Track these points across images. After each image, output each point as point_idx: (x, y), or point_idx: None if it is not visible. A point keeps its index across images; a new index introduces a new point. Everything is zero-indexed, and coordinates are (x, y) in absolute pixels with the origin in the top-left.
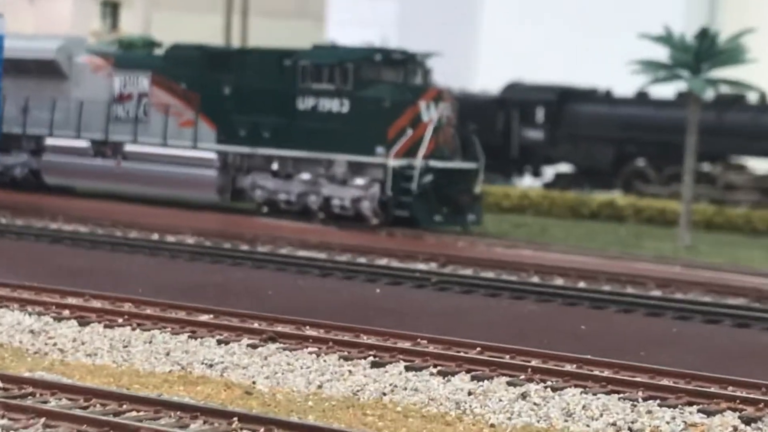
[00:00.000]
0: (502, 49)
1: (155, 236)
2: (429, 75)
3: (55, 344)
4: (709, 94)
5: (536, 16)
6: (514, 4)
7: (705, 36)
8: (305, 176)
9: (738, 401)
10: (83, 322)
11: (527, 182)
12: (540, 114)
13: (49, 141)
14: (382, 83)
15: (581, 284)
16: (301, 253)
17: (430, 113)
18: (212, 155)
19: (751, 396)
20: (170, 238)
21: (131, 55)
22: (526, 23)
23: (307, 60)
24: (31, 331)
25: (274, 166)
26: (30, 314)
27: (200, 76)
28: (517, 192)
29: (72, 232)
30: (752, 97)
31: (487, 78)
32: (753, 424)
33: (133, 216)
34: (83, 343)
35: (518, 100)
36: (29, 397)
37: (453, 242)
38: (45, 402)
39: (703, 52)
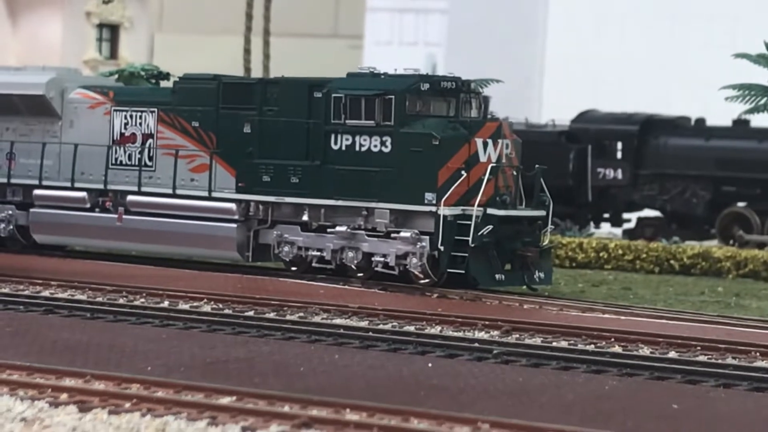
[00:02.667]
0: (572, 72)
1: (165, 303)
2: (486, 106)
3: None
4: None
5: (613, 33)
6: (585, 19)
7: None
8: (341, 229)
9: None
10: (84, 408)
11: (605, 231)
12: (619, 149)
13: (39, 192)
14: (430, 117)
15: (672, 354)
16: (338, 321)
17: (488, 152)
18: (231, 205)
19: None
20: (183, 306)
21: (134, 89)
22: (601, 41)
23: (342, 91)
24: (24, 419)
25: (304, 218)
26: (22, 399)
27: (216, 113)
28: (593, 243)
29: (68, 299)
30: None
31: (553, 107)
32: None
33: (139, 280)
34: None
35: (592, 132)
36: None
37: (518, 305)
38: None
39: None
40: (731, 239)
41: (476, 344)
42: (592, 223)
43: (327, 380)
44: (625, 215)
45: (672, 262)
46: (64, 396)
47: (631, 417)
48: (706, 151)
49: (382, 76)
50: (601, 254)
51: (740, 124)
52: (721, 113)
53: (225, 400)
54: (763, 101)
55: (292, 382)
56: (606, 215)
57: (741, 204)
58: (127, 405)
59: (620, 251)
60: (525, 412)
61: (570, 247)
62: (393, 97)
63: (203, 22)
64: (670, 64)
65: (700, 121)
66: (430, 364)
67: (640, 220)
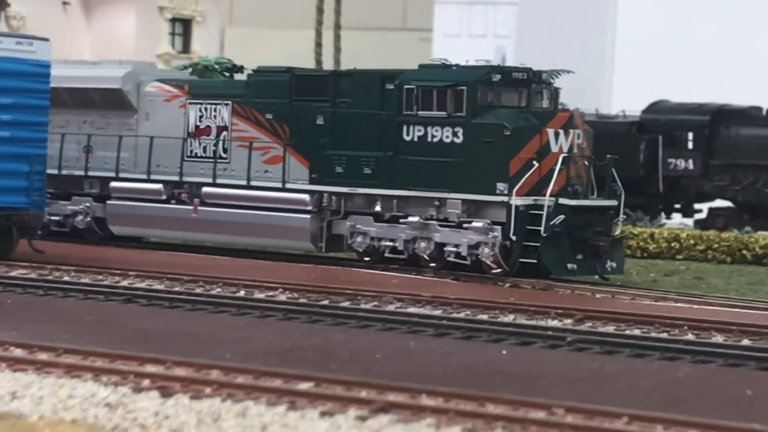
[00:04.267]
0: (643, 61)
1: (242, 293)
2: (557, 96)
3: (135, 419)
4: None
5: (684, 21)
6: (656, 8)
7: None
8: (413, 219)
9: None
10: (166, 393)
11: (676, 222)
12: (690, 139)
13: (115, 184)
14: (502, 108)
15: (745, 342)
16: (411, 309)
17: (560, 142)
18: (304, 196)
19: None
20: (259, 295)
21: (208, 82)
22: (672, 29)
23: (414, 82)
24: (108, 405)
25: (377, 208)
26: (105, 385)
27: (289, 105)
28: (664, 234)
29: (146, 289)
30: None
31: (624, 97)
32: None
33: (215, 270)
34: (167, 417)
35: (663, 123)
36: None
37: (590, 295)
38: None
39: None
40: None
41: (549, 332)
42: (663, 214)
43: (402, 367)
44: (697, 206)
45: (744, 252)
46: (146, 382)
47: (705, 402)
48: None
49: (454, 68)
50: (672, 244)
51: None
52: None
53: (303, 386)
54: None
55: (368, 369)
56: (677, 206)
57: None
58: (208, 390)
59: (692, 241)
60: (599, 397)
61: (641, 237)
62: (465, 88)
63: (273, 16)
64: (741, 53)
65: None
66: (504, 352)
67: (711, 210)
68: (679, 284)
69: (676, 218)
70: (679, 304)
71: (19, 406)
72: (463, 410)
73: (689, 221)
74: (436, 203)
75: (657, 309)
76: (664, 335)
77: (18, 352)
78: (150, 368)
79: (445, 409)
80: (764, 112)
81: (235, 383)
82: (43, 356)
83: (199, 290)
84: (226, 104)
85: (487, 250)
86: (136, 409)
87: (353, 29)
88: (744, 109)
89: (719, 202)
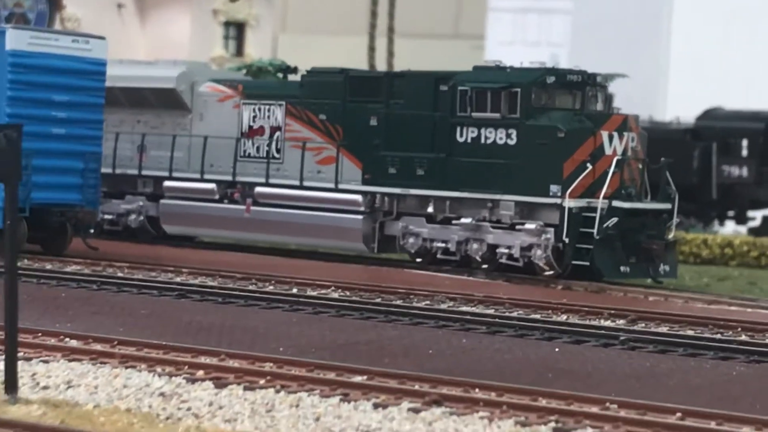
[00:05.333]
0: (698, 68)
1: (294, 290)
2: (611, 100)
3: (189, 409)
4: None
5: (739, 29)
6: (711, 16)
7: None
8: (466, 221)
9: None
10: (220, 384)
11: (730, 228)
12: (744, 147)
13: (169, 183)
14: (556, 110)
15: None
16: (464, 308)
17: (614, 145)
18: (357, 197)
19: None
20: (312, 292)
21: (262, 82)
22: (727, 38)
23: (468, 84)
24: (162, 395)
25: (430, 209)
26: (160, 375)
27: (342, 106)
28: (717, 239)
29: (199, 285)
30: None
31: (679, 104)
32: None
33: (267, 269)
34: (221, 407)
35: (717, 130)
36: None
37: (643, 297)
38: None
39: None
40: None
41: (603, 331)
42: (716, 221)
43: (455, 362)
44: (750, 213)
45: None
46: (200, 373)
47: (759, 399)
48: None
49: (508, 69)
50: (725, 250)
51: None
52: None
53: (357, 379)
54: None
55: (421, 364)
56: (730, 213)
57: None
58: (262, 382)
59: (745, 247)
60: (652, 394)
61: (694, 243)
62: (519, 90)
63: (325, 22)
64: None
65: None
66: (557, 349)
67: (765, 218)
68: (732, 288)
69: (730, 225)
70: (732, 308)
71: (75, 394)
72: (516, 403)
73: (743, 228)
74: (489, 205)
75: (710, 312)
76: (718, 336)
77: (73, 343)
78: (204, 360)
79: (498, 403)
80: None
81: (288, 375)
82: (98, 347)
83: (251, 287)
84: (280, 105)
85: (539, 252)
86: (190, 399)
87: (406, 36)
88: None
89: None
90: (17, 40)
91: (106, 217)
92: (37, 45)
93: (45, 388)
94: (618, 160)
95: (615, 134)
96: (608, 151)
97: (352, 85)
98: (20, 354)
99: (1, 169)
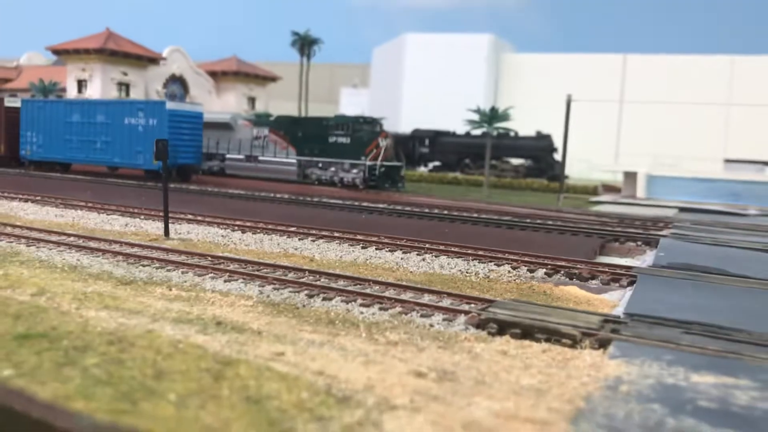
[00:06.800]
0: (419, 104)
1: (272, 195)
2: (382, 125)
3: (231, 240)
4: (494, 132)
5: (455, 70)
6: (432, 69)
7: (493, 109)
8: (333, 169)
9: (513, 260)
10: (243, 231)
11: (423, 169)
12: (426, 144)
13: (228, 155)
14: (364, 130)
15: (445, 212)
16: (331, 201)
17: (384, 142)
18: (294, 160)
19: (519, 258)
20: (278, 196)
21: (260, 119)
22: (444, 77)
23: (332, 121)
24: (222, 236)
25: (320, 165)
26: (219, 227)
27: (290, 128)
28: (416, 174)
29: (238, 193)
30: (512, 134)
31: (408, 124)
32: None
33: (263, 186)
34: (243, 241)
35: (417, 136)
36: (222, 263)
37: (394, 194)
38: (228, 266)
39: (492, 116)
40: None
41: (381, 206)
42: (418, 166)
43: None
44: (430, 165)
45: (445, 180)
46: (236, 226)
47: (429, 233)
48: (460, 144)
49: (349, 116)
50: (420, 177)
51: (467, 133)
52: (462, 128)
53: (292, 229)
54: (475, 125)
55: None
56: (421, 163)
57: (468, 160)
58: (257, 230)
59: (425, 175)
60: (393, 230)
61: (410, 175)
62: (351, 123)
63: (290, 94)
64: None
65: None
66: (363, 216)
67: (435, 166)
68: (422, 191)
69: (422, 168)
70: (422, 198)
71: (191, 237)
72: (347, 237)
73: (425, 168)
74: (341, 163)
75: (413, 199)
76: (411, 208)
77: (189, 216)
78: (237, 222)
79: (329, 236)
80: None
81: (278, 230)
82: (200, 218)
83: (256, 194)
84: (267, 127)
85: (357, 179)
86: (232, 238)
87: (317, 102)
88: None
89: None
90: (170, 106)
91: (204, 168)
92: (178, 107)
93: (179, 233)
94: (384, 148)
95: (382, 138)
96: (381, 144)
97: (293, 122)
98: (171, 220)
99: (160, 155)
